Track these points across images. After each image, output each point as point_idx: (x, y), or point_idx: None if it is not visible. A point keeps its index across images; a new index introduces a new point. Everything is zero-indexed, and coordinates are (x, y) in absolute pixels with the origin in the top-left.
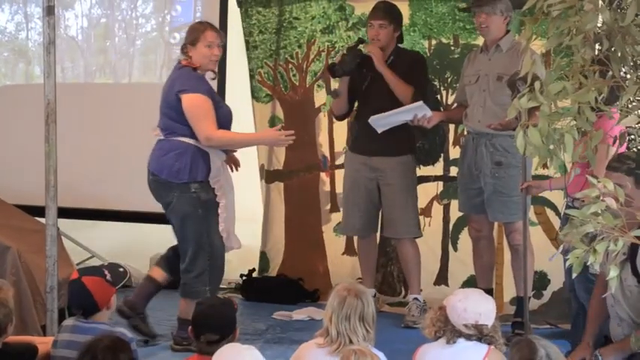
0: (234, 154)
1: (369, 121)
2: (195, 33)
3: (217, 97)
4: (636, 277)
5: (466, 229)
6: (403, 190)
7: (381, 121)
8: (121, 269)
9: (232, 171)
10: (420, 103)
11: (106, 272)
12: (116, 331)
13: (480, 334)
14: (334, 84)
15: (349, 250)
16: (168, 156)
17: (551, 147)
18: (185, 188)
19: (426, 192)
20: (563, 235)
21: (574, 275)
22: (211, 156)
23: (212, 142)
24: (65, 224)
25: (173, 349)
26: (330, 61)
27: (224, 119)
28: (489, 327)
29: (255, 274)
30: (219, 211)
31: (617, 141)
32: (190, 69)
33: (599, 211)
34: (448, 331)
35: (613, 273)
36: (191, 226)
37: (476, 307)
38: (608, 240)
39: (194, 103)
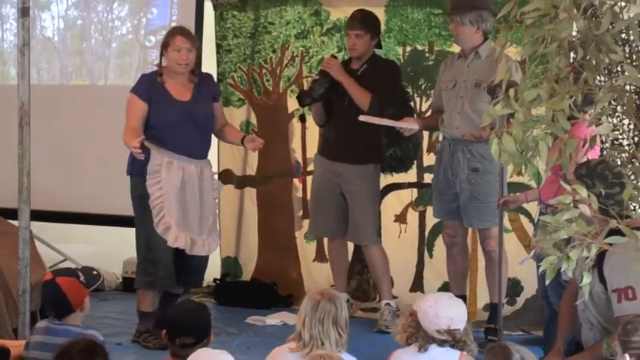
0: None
1: (359, 118)
2: (167, 38)
3: (162, 97)
4: (603, 284)
5: (442, 235)
6: (364, 197)
7: (369, 121)
8: (95, 272)
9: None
10: (416, 128)
11: (80, 274)
12: (88, 334)
13: (452, 339)
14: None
15: (320, 256)
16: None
17: (525, 153)
18: (130, 181)
19: (399, 199)
20: (536, 241)
21: (547, 282)
22: (152, 152)
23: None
24: (38, 227)
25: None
26: (305, 71)
27: (160, 122)
28: (461, 331)
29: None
30: (152, 206)
31: (587, 144)
32: (155, 73)
33: (573, 218)
34: (420, 337)
35: (586, 280)
36: (135, 217)
37: (447, 312)
38: (581, 247)
39: (127, 103)
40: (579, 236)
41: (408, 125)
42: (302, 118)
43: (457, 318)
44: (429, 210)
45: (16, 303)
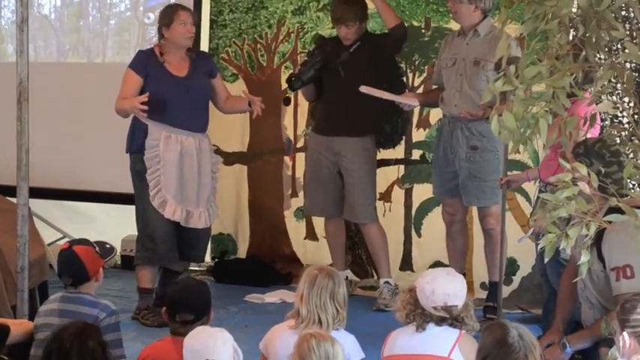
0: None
1: (360, 89)
2: (169, 15)
3: (160, 73)
4: (601, 262)
5: (431, 213)
6: (362, 176)
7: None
8: (108, 245)
9: (254, 114)
10: (416, 104)
11: (95, 245)
12: (100, 302)
13: (449, 315)
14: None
15: (310, 235)
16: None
17: (524, 131)
18: (130, 158)
19: (385, 176)
20: (534, 220)
21: (546, 260)
22: (150, 127)
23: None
24: (36, 204)
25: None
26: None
27: (158, 96)
28: (459, 307)
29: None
30: (148, 180)
31: (588, 122)
32: (152, 50)
33: (572, 196)
34: (418, 315)
35: (584, 258)
36: (134, 194)
37: (444, 289)
38: (580, 225)
39: (123, 76)
40: (579, 214)
41: (408, 101)
42: (286, 101)
43: (454, 294)
44: (416, 188)
45: (14, 280)
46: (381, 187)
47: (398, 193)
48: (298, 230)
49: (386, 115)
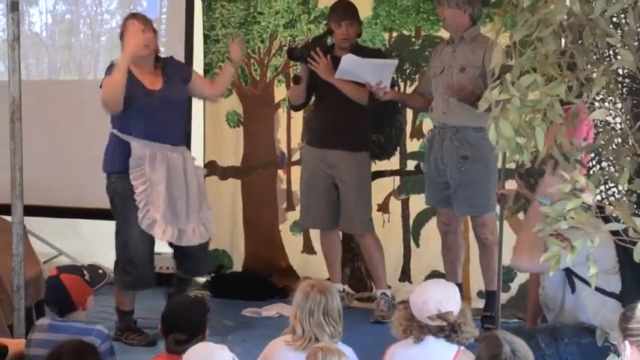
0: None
1: (343, 57)
2: (122, 26)
3: (136, 90)
4: None
5: (428, 223)
6: (357, 187)
7: (349, 66)
8: (101, 271)
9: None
10: (395, 61)
11: (85, 272)
12: (94, 328)
13: (446, 323)
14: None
15: (307, 248)
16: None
17: (520, 140)
18: (108, 178)
19: (382, 187)
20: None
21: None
22: (132, 145)
23: (103, 103)
24: (32, 222)
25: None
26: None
27: (138, 114)
28: (455, 313)
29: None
30: (137, 201)
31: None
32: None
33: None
34: (415, 328)
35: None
36: (114, 215)
37: (434, 296)
38: (584, 236)
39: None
40: (581, 226)
41: (389, 64)
42: (296, 79)
43: (445, 300)
44: (412, 198)
45: (10, 299)
46: (378, 198)
47: (395, 204)
48: (295, 244)
49: (379, 126)
